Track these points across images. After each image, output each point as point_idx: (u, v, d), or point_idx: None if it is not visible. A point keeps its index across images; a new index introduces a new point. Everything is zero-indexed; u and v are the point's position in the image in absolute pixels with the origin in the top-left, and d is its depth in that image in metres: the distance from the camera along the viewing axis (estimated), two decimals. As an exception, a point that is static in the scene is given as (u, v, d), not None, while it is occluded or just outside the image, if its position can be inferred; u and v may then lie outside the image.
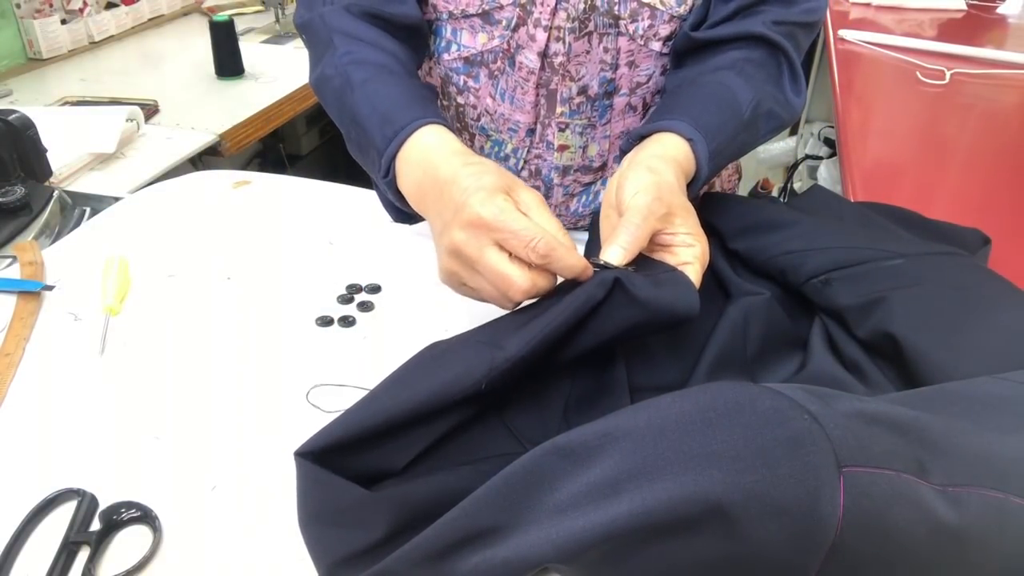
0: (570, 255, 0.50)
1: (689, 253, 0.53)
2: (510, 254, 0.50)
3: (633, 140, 0.63)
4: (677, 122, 0.61)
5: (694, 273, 0.52)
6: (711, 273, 0.64)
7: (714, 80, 0.66)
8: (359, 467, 0.45)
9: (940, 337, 0.50)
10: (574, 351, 0.49)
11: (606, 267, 0.50)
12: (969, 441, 0.37)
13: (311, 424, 0.57)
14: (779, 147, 2.20)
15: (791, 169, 2.02)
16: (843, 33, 1.55)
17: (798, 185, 2.00)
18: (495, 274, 0.50)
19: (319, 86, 0.68)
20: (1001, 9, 1.80)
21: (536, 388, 0.52)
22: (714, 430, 0.34)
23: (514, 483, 0.38)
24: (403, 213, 0.65)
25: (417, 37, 0.73)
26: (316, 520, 0.43)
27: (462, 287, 0.55)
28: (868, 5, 1.77)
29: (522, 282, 0.49)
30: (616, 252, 0.51)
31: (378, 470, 0.46)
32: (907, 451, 0.35)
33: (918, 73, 1.35)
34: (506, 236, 0.49)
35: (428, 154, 0.57)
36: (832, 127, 1.87)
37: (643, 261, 0.53)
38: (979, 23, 1.75)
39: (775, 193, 2.21)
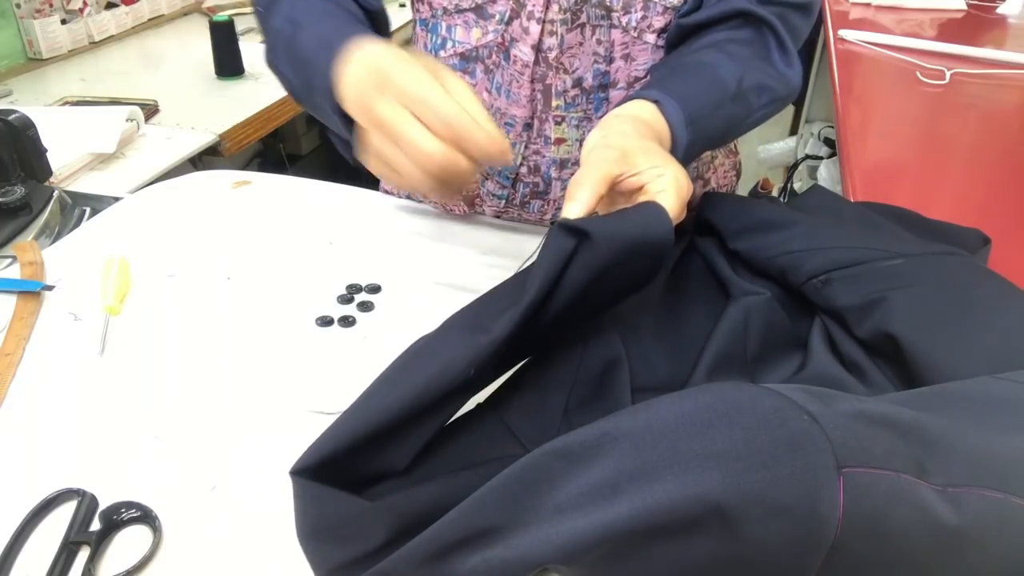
0: (481, 132, 0.48)
1: (660, 182, 0.51)
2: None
3: None
4: (643, 92, 0.60)
5: (668, 199, 0.50)
6: (711, 273, 0.64)
7: (689, 59, 0.66)
8: (360, 472, 0.45)
9: (940, 337, 0.50)
10: (558, 312, 0.48)
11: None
12: (969, 441, 0.37)
13: (310, 424, 0.57)
14: (779, 147, 2.20)
15: (791, 169, 2.02)
16: (843, 33, 1.55)
17: (798, 185, 2.00)
18: (413, 145, 0.48)
19: (271, 46, 0.66)
20: (1001, 9, 1.80)
21: (536, 389, 0.51)
22: (714, 431, 0.34)
23: (513, 484, 0.38)
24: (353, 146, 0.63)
25: (375, 26, 0.71)
26: (314, 536, 0.43)
27: (388, 171, 0.52)
28: (868, 5, 1.77)
29: (434, 150, 0.48)
30: (573, 208, 0.50)
31: (379, 472, 0.46)
32: (907, 451, 0.35)
33: (918, 73, 1.35)
34: (419, 106, 0.48)
35: (369, 59, 0.54)
36: (832, 127, 1.87)
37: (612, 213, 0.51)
38: (979, 23, 1.75)
39: (775, 193, 2.21)
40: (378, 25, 0.72)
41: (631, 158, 0.52)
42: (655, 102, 0.59)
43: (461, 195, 0.52)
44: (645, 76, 0.74)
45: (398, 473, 0.46)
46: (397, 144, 0.50)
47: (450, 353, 0.46)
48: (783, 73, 0.68)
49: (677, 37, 0.70)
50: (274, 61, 0.67)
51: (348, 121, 0.57)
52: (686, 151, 0.60)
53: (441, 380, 0.45)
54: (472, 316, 0.50)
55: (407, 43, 0.82)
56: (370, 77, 0.52)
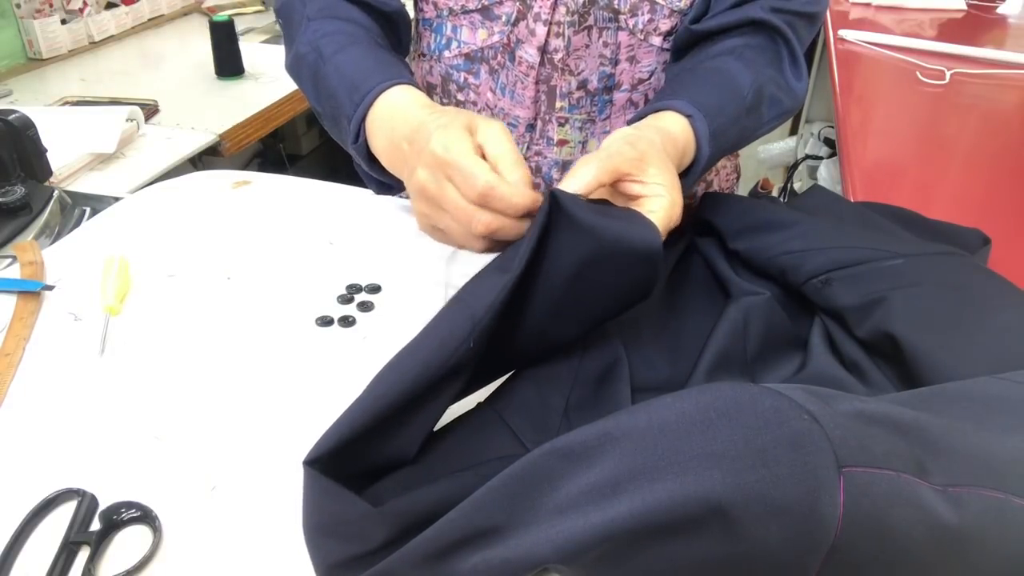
0: (514, 193, 0.49)
1: (654, 202, 0.51)
2: None
3: (630, 124, 0.62)
4: (674, 101, 0.60)
5: (656, 220, 0.50)
6: (711, 273, 0.64)
7: (712, 65, 0.66)
8: (371, 460, 0.45)
9: (940, 337, 0.50)
10: (548, 297, 0.48)
11: None
12: (969, 441, 0.37)
13: (311, 424, 0.57)
14: (779, 147, 2.20)
15: (791, 169, 2.02)
16: (843, 33, 1.55)
17: (798, 185, 2.00)
18: (456, 209, 0.49)
19: (295, 65, 0.68)
20: (1001, 9, 1.80)
21: (537, 388, 0.52)
22: (714, 430, 0.34)
23: (514, 483, 0.38)
24: (384, 184, 0.64)
25: (395, 26, 0.72)
26: (319, 531, 0.43)
27: (435, 231, 0.54)
28: (868, 5, 1.78)
29: (481, 215, 0.49)
30: (570, 184, 0.50)
31: (390, 460, 0.46)
32: (907, 451, 0.35)
33: (918, 73, 1.35)
34: (452, 172, 0.49)
35: (397, 111, 0.57)
36: (832, 127, 1.87)
37: (605, 203, 0.52)
38: (979, 23, 1.75)
39: (775, 193, 2.21)
40: (398, 27, 0.73)
41: (646, 165, 0.52)
42: (687, 116, 0.59)
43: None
44: (649, 78, 0.74)
45: (407, 462, 0.46)
46: (442, 208, 0.51)
47: (447, 327, 0.46)
48: (792, 86, 0.68)
49: (687, 42, 0.70)
50: (298, 80, 0.69)
51: (376, 162, 0.60)
52: (705, 166, 0.61)
53: (442, 353, 0.45)
54: (467, 291, 0.50)
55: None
56: (405, 143, 0.54)
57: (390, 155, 0.58)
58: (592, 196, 0.51)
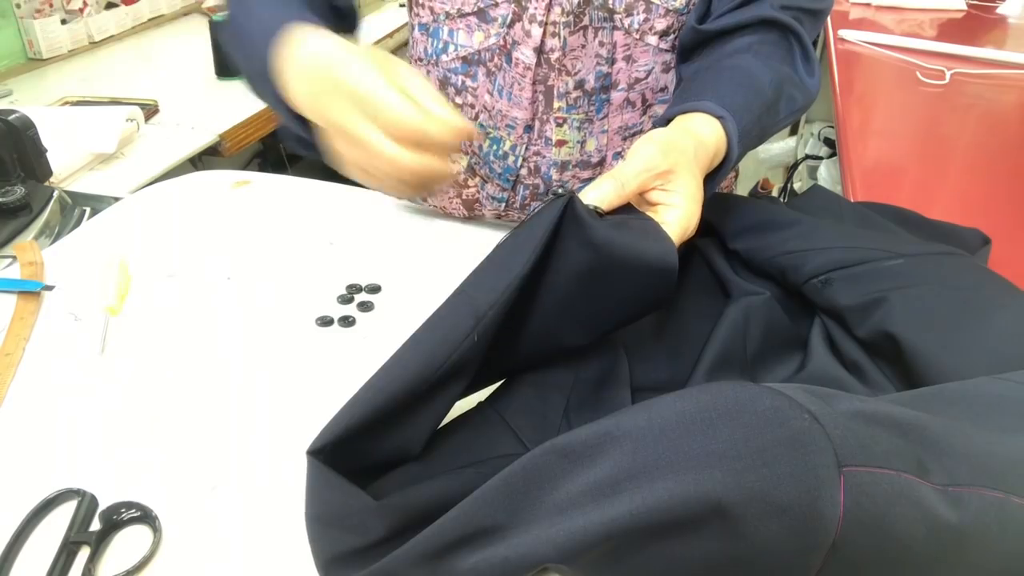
0: (435, 125, 0.45)
1: (672, 214, 0.51)
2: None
3: (659, 124, 0.61)
4: (703, 102, 0.59)
5: (670, 231, 0.50)
6: (711, 273, 0.64)
7: (732, 63, 0.65)
8: (374, 456, 0.45)
9: (940, 337, 0.50)
10: (557, 301, 0.48)
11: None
12: (969, 441, 0.37)
13: (311, 424, 0.57)
14: (779, 147, 2.20)
15: (791, 169, 2.02)
16: (843, 33, 1.55)
17: (798, 185, 2.00)
18: (382, 152, 0.47)
19: (226, 30, 0.63)
20: (1001, 9, 1.80)
21: (537, 388, 0.52)
22: (714, 430, 0.34)
23: (514, 482, 0.38)
24: (308, 142, 0.59)
25: (343, 19, 0.69)
26: (320, 520, 0.43)
27: (363, 173, 0.51)
28: (868, 5, 1.78)
29: (400, 157, 0.46)
30: (591, 195, 0.49)
31: (393, 457, 0.46)
32: (908, 451, 0.35)
33: (918, 73, 1.35)
34: (369, 109, 0.46)
35: (315, 52, 0.51)
36: (832, 127, 1.87)
37: (621, 210, 0.52)
38: (979, 23, 1.75)
39: (775, 193, 2.21)
40: (345, 22, 0.69)
41: (672, 176, 0.52)
42: (719, 118, 0.58)
43: (445, 189, 0.51)
44: (646, 77, 0.74)
45: (411, 458, 0.46)
46: (364, 149, 0.48)
47: (451, 320, 0.46)
48: (805, 83, 0.68)
49: (693, 42, 0.70)
50: (228, 47, 0.63)
51: (298, 116, 0.55)
52: (733, 165, 0.61)
53: (446, 346, 0.45)
54: (471, 283, 0.50)
55: (405, 45, 0.82)
56: (318, 79, 0.50)
57: (312, 109, 0.52)
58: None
